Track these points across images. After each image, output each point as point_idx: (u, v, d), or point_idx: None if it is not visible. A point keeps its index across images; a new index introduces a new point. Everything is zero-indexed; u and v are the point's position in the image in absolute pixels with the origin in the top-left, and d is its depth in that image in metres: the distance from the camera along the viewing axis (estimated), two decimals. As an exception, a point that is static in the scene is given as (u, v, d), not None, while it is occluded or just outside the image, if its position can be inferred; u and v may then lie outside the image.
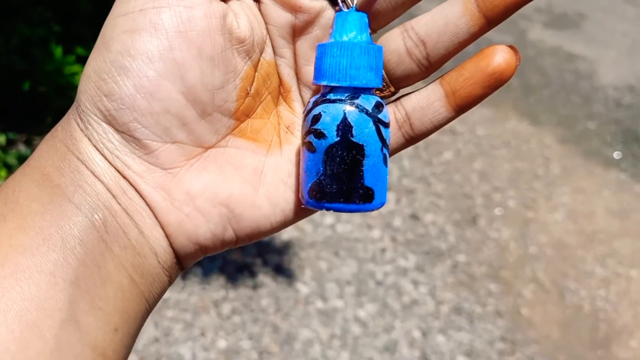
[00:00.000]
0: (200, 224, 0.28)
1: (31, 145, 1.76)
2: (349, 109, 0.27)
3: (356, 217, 1.64)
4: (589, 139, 2.20)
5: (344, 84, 0.28)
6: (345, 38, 0.28)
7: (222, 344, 1.35)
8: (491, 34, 2.83)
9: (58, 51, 1.65)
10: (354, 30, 0.28)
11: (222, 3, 0.28)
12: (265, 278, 1.50)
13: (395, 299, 1.49)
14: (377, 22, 0.30)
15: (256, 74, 0.30)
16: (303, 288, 1.49)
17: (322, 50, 0.28)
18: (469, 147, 2.07)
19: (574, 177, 1.98)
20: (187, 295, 1.43)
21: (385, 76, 0.30)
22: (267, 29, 0.30)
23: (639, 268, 1.64)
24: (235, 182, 0.29)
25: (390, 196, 1.82)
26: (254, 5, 0.30)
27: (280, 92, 0.32)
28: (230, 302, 1.45)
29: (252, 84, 0.30)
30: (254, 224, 0.29)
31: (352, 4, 0.28)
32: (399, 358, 1.36)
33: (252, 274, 1.50)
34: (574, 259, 1.66)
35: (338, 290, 1.49)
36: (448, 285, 1.54)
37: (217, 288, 1.46)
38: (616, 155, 2.13)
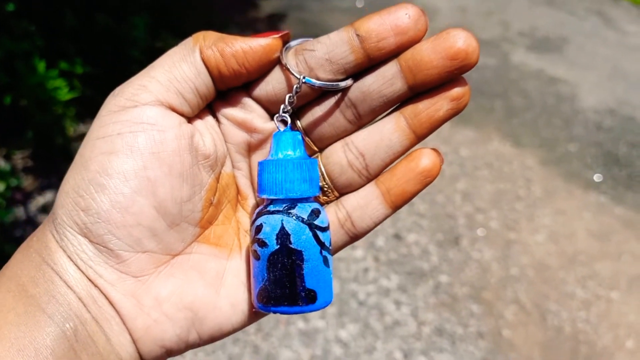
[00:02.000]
0: (167, 328, 0.30)
1: (10, 160, 1.74)
2: (286, 219, 0.30)
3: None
4: (570, 161, 2.22)
5: (281, 197, 0.30)
6: (280, 155, 0.31)
7: (201, 364, 1.33)
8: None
9: (41, 65, 1.64)
10: (289, 148, 0.31)
11: (190, 124, 0.31)
12: (246, 297, 1.48)
13: (377, 319, 1.48)
14: (322, 143, 0.33)
15: (218, 185, 0.33)
16: (284, 308, 1.47)
17: (261, 167, 0.31)
18: (453, 167, 2.08)
19: (555, 199, 2.00)
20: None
21: (330, 183, 0.33)
22: (226, 146, 0.33)
23: (619, 290, 1.65)
24: (199, 286, 0.31)
25: (374, 216, 1.81)
26: (215, 124, 0.32)
27: (238, 200, 0.35)
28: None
29: (215, 195, 0.32)
30: (216, 325, 0.31)
31: (287, 124, 0.31)
32: (380, 380, 1.35)
33: (233, 293, 1.48)
34: (555, 280, 1.66)
35: (320, 311, 1.47)
36: (430, 306, 1.54)
37: (197, 307, 1.43)
38: (596, 177, 2.15)
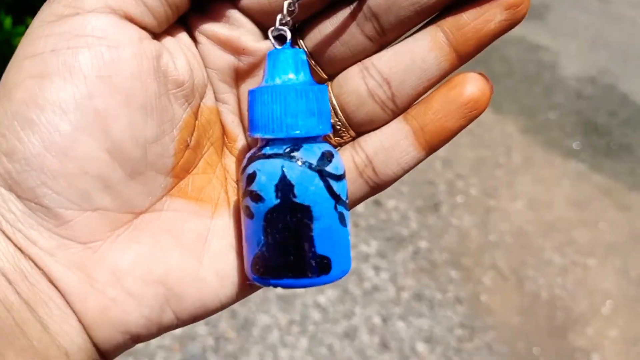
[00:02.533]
0: (131, 309, 0.23)
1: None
2: (288, 164, 0.23)
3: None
4: (550, 129, 2.22)
5: (281, 136, 0.23)
6: (278, 81, 0.24)
7: (176, 329, 1.31)
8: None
9: (7, 21, 1.56)
10: (289, 70, 0.24)
11: (155, 41, 0.23)
12: (223, 262, 1.46)
13: (357, 284, 1.47)
14: (333, 67, 0.26)
15: (196, 122, 0.25)
16: (262, 273, 1.45)
17: (252, 97, 0.24)
18: (433, 133, 2.07)
19: (534, 167, 2.00)
20: (141, 278, 1.39)
21: (344, 120, 0.26)
22: (206, 72, 0.25)
23: (596, 257, 1.66)
24: (174, 253, 0.24)
25: (353, 181, 1.80)
26: (192, 44, 0.25)
27: (225, 143, 0.27)
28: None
29: (192, 135, 0.25)
30: (199, 302, 0.25)
31: (286, 40, 0.24)
32: (359, 344, 1.35)
33: (210, 258, 1.46)
34: (533, 247, 1.67)
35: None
36: (409, 272, 1.53)
37: (173, 272, 1.41)
38: (575, 145, 2.16)
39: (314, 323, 1.37)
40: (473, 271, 1.56)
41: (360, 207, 1.70)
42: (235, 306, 1.37)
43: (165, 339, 1.27)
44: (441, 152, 1.95)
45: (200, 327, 1.32)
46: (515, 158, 2.03)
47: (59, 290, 0.22)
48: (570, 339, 1.43)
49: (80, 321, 0.23)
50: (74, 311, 0.22)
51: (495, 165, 1.98)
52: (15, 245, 0.22)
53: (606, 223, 1.80)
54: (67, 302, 0.22)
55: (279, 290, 1.42)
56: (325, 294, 1.43)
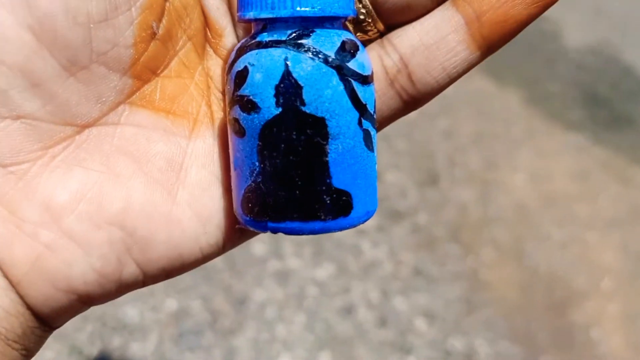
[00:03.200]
0: (75, 259, 0.17)
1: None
2: (293, 55, 0.16)
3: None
4: (551, 101, 2.19)
5: (285, 14, 0.16)
6: None
7: (172, 304, 1.29)
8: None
9: None
10: None
11: None
12: (219, 236, 1.44)
13: (354, 259, 1.45)
14: None
15: (166, 4, 0.18)
16: (259, 247, 1.43)
17: None
18: (433, 105, 2.01)
19: (534, 139, 1.97)
20: (135, 252, 1.36)
21: (371, 8, 0.19)
22: None
23: (595, 231, 1.65)
24: (135, 184, 0.18)
25: (351, 153, 1.77)
26: None
27: (208, 38, 0.20)
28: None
29: (160, 19, 0.18)
30: (172, 250, 0.19)
31: None
32: (357, 319, 1.33)
33: (205, 232, 1.43)
34: (532, 221, 1.65)
35: (295, 250, 1.44)
36: (407, 246, 1.51)
37: (167, 246, 1.39)
38: (576, 118, 2.13)
39: (312, 297, 1.35)
40: (472, 246, 1.55)
41: (358, 180, 1.67)
42: (231, 280, 1.35)
43: (160, 314, 1.26)
44: (440, 123, 1.92)
45: (195, 302, 1.30)
46: (515, 130, 2.00)
47: None
48: (569, 314, 1.42)
49: (5, 275, 0.17)
50: None
51: (495, 137, 1.95)
52: None
53: (606, 197, 1.78)
54: None
55: (276, 265, 1.40)
56: (323, 268, 1.41)
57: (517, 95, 2.19)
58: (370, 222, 1.55)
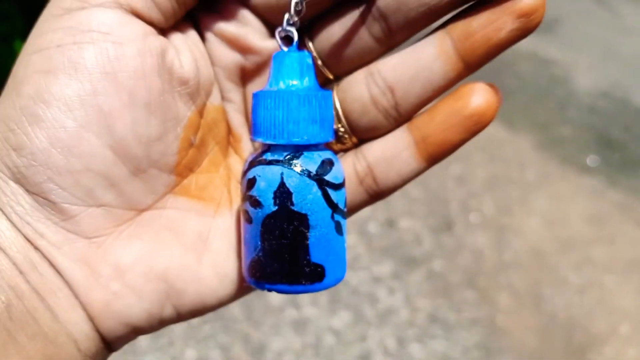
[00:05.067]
0: (133, 303, 0.24)
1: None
2: (287, 172, 0.23)
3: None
4: (564, 145, 2.21)
5: (282, 142, 0.23)
6: (282, 85, 0.24)
7: (191, 353, 1.31)
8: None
9: (21, 48, 1.59)
10: (294, 75, 0.23)
11: (161, 37, 0.23)
12: (236, 285, 1.46)
13: (370, 306, 1.46)
14: (339, 68, 0.25)
15: (201, 121, 0.25)
16: (275, 296, 1.45)
17: (256, 101, 0.24)
18: (445, 151, 2.06)
19: (548, 183, 1.98)
20: (155, 303, 1.39)
21: (347, 126, 0.26)
22: (213, 70, 0.25)
23: (613, 275, 1.64)
24: (175, 251, 0.25)
25: (366, 201, 1.80)
26: (199, 40, 0.25)
27: (230, 142, 0.27)
28: (200, 311, 1.41)
29: (196, 133, 0.25)
30: (198, 299, 0.25)
31: (293, 42, 0.24)
32: (373, 368, 1.33)
33: (223, 282, 1.46)
34: (549, 265, 1.65)
35: (311, 299, 1.46)
36: (423, 293, 1.52)
37: (186, 296, 1.41)
38: (590, 161, 2.14)
39: (328, 346, 1.36)
40: (488, 291, 1.55)
41: (373, 228, 1.69)
42: (249, 330, 1.36)
43: (179, 364, 1.27)
44: (454, 170, 1.95)
45: (214, 352, 1.31)
46: (529, 175, 2.02)
47: (65, 282, 0.23)
48: (588, 359, 1.41)
49: (86, 312, 0.23)
50: (80, 302, 0.23)
51: (509, 182, 1.97)
52: (25, 237, 0.22)
53: (623, 239, 1.77)
54: (74, 294, 0.23)
55: (293, 314, 1.41)
56: (338, 316, 1.42)
57: (529, 139, 2.21)
58: (385, 269, 1.57)
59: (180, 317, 0.26)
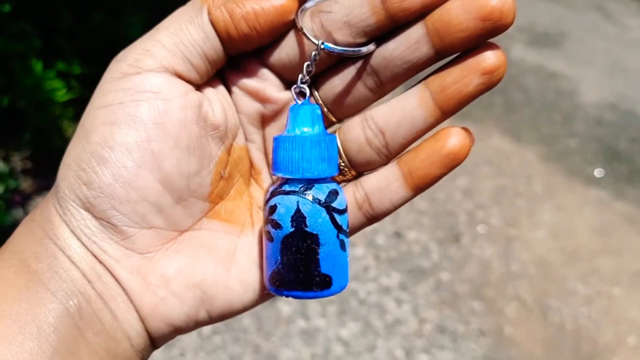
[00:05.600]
0: (175, 307, 0.29)
1: (9, 162, 1.73)
2: (302, 200, 0.28)
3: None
4: (570, 157, 2.22)
5: (297, 176, 0.28)
6: (297, 131, 0.29)
7: (201, 365, 1.33)
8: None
9: (38, 66, 1.63)
10: (307, 123, 0.29)
11: (198, 92, 0.29)
12: (246, 297, 1.48)
13: (378, 317, 1.48)
14: (341, 113, 0.31)
15: (229, 158, 0.31)
16: (285, 307, 1.47)
17: (276, 144, 0.29)
18: (452, 164, 2.07)
19: (555, 195, 2.00)
20: (166, 314, 1.41)
21: (347, 161, 0.31)
22: (238, 117, 0.31)
23: (621, 286, 1.64)
24: (209, 264, 0.30)
25: (374, 213, 1.82)
26: (226, 93, 0.30)
27: (252, 174, 0.33)
28: (211, 322, 1.43)
29: (225, 168, 0.31)
30: (226, 304, 0.30)
31: (305, 97, 0.29)
32: (382, 378, 1.35)
33: (234, 293, 1.48)
34: (556, 276, 1.66)
35: (320, 309, 1.47)
36: (431, 304, 1.54)
37: (197, 307, 1.43)
38: (597, 173, 2.15)
39: (337, 357, 1.38)
40: (496, 302, 1.56)
41: (381, 239, 1.71)
42: (259, 340, 1.38)
43: (191, 374, 1.29)
44: (461, 182, 1.97)
45: (224, 362, 1.33)
46: (536, 187, 2.03)
47: (123, 289, 0.28)
48: (596, 370, 1.41)
49: (138, 313, 0.28)
50: (134, 306, 0.28)
51: (516, 194, 1.98)
52: (92, 253, 0.28)
53: (630, 251, 1.78)
54: (129, 299, 0.28)
55: (303, 324, 1.43)
56: (347, 327, 1.44)
57: (536, 152, 2.23)
58: (393, 280, 1.58)
59: (212, 319, 0.30)
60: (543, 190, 2.01)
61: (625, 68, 2.92)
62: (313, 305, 1.47)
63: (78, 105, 1.92)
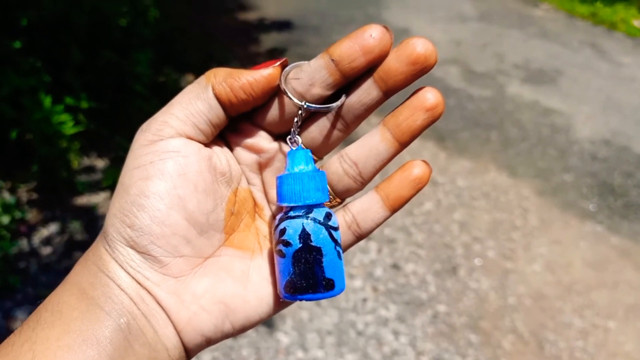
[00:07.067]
0: (205, 319, 0.35)
1: (15, 193, 1.77)
2: (306, 222, 0.35)
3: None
4: (566, 191, 2.25)
5: (300, 204, 0.36)
6: (296, 169, 0.36)
7: (201, 395, 1.34)
8: (472, 89, 2.90)
9: (47, 101, 1.68)
10: (302, 163, 0.37)
11: (207, 148, 0.37)
12: (246, 327, 1.49)
13: (376, 349, 1.49)
14: (321, 152, 0.39)
15: (236, 198, 0.38)
16: (284, 338, 1.48)
17: (280, 181, 0.36)
18: (450, 198, 2.11)
19: (551, 229, 2.02)
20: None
21: (331, 191, 0.39)
22: (240, 167, 0.39)
23: (616, 319, 1.66)
24: (229, 283, 0.36)
25: (372, 246, 1.84)
26: (228, 150, 0.39)
27: (256, 211, 0.40)
28: (211, 352, 1.45)
29: (234, 206, 0.38)
30: (246, 316, 0.36)
31: (299, 144, 0.37)
32: (379, 410, 1.35)
33: (233, 324, 1.49)
34: (552, 309, 1.68)
35: (319, 340, 1.49)
36: (428, 336, 1.55)
37: (197, 337, 1.44)
38: (592, 207, 2.18)
39: (335, 388, 1.38)
40: (492, 335, 1.57)
41: (379, 272, 1.73)
42: (258, 371, 1.39)
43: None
44: (458, 215, 2.00)
45: (223, 393, 1.34)
46: (532, 220, 2.06)
47: (162, 308, 0.34)
48: (592, 403, 1.42)
49: (175, 327, 0.34)
50: (171, 321, 0.34)
51: (512, 227, 2.01)
52: (136, 281, 0.34)
53: (625, 284, 1.80)
54: (168, 315, 0.34)
55: (300, 355, 1.44)
56: (345, 359, 1.45)
57: (531, 186, 2.26)
58: (391, 312, 1.60)
59: (235, 330, 0.36)
60: (539, 224, 2.04)
61: (619, 104, 2.97)
62: (311, 336, 1.49)
63: (84, 138, 1.96)
